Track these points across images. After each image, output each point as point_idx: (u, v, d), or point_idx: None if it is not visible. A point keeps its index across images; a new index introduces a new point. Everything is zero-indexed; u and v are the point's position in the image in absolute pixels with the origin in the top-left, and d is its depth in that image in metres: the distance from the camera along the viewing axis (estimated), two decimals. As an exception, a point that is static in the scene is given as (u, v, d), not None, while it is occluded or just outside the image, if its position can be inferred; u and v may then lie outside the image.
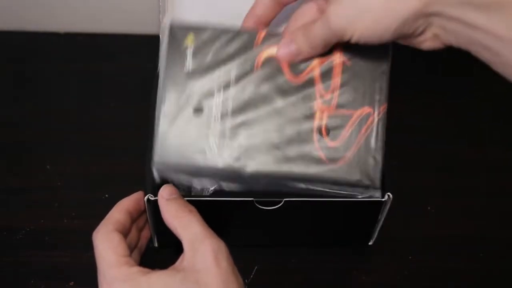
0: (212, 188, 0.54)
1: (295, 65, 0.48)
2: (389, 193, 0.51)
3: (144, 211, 0.51)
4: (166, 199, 0.46)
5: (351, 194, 0.49)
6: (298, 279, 0.56)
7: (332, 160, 0.47)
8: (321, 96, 0.48)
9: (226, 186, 0.49)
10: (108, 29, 0.78)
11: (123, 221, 0.48)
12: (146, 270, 0.42)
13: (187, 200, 0.47)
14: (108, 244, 0.44)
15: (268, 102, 0.48)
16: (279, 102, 0.48)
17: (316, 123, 0.48)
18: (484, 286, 0.57)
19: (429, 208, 0.62)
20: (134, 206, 0.50)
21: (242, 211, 0.52)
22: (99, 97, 0.71)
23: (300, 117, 0.48)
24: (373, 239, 0.57)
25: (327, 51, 0.47)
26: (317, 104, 0.48)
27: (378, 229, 0.55)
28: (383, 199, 0.51)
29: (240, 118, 0.48)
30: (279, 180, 0.47)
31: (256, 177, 0.47)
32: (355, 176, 0.47)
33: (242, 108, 0.48)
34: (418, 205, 0.62)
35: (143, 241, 0.54)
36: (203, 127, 0.47)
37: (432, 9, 0.39)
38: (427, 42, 0.42)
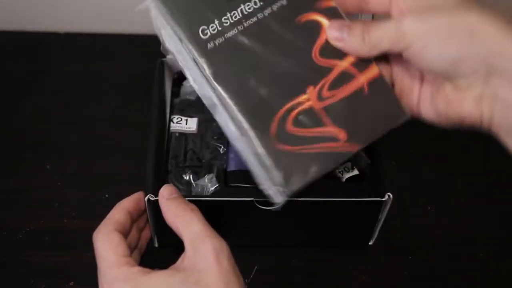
0: (212, 188, 0.54)
1: (330, 48, 0.46)
2: (389, 193, 0.51)
3: (145, 211, 0.51)
4: (167, 198, 0.46)
5: None
6: (298, 279, 0.56)
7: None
8: (321, 88, 0.46)
9: None
10: (108, 29, 0.78)
11: (123, 221, 0.48)
12: (146, 270, 0.42)
13: (188, 200, 0.47)
14: (108, 244, 0.44)
15: (277, 55, 0.46)
16: (284, 64, 0.46)
17: (295, 102, 0.45)
18: (484, 286, 0.57)
19: (429, 208, 0.62)
20: (134, 206, 0.50)
21: (242, 211, 0.52)
22: (99, 97, 0.71)
23: (290, 87, 0.46)
24: (373, 239, 0.57)
25: (365, 65, 0.46)
26: (312, 91, 0.46)
27: (378, 229, 0.55)
28: (383, 199, 0.51)
29: (246, 40, 0.46)
30: None
31: None
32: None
33: (255, 34, 0.46)
34: (418, 205, 0.62)
35: (143, 241, 0.54)
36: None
37: (501, 63, 0.38)
38: (467, 101, 0.41)
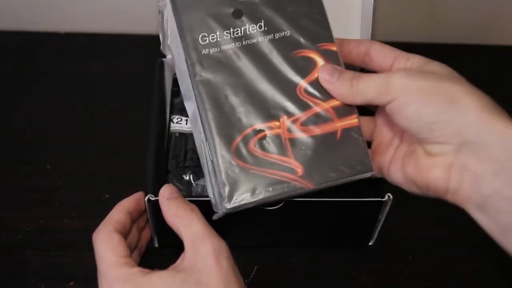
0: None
1: (317, 88, 0.47)
2: (389, 194, 0.51)
3: (145, 211, 0.51)
4: (167, 198, 0.46)
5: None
6: (298, 279, 0.56)
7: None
8: (294, 120, 0.47)
9: None
10: (108, 29, 0.78)
11: (123, 221, 0.48)
12: (146, 270, 0.42)
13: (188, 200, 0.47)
14: (108, 245, 0.44)
15: (263, 79, 0.47)
16: (268, 88, 0.47)
17: (265, 125, 0.46)
18: (484, 286, 0.57)
19: (429, 208, 0.62)
20: (134, 206, 0.50)
21: (242, 211, 0.52)
22: (99, 97, 0.71)
23: (266, 111, 0.47)
24: (373, 239, 0.57)
25: (347, 112, 0.47)
26: (284, 120, 0.46)
27: (378, 229, 0.55)
28: (383, 199, 0.51)
29: (239, 57, 0.47)
30: None
31: None
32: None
33: (249, 54, 0.47)
34: (418, 205, 0.62)
35: (143, 242, 0.54)
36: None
37: (476, 137, 0.39)
38: (437, 169, 0.42)
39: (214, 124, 0.46)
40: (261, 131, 0.46)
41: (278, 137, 0.46)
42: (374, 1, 0.58)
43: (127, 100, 0.70)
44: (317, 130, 0.47)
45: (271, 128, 0.46)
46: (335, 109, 0.47)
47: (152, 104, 0.57)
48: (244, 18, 0.48)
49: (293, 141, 0.46)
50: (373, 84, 0.43)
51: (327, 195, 0.52)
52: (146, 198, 0.49)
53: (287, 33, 0.48)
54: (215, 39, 0.47)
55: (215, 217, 0.46)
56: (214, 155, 0.45)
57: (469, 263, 0.58)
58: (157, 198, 0.47)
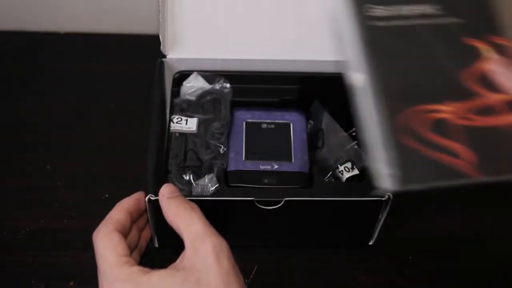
0: (212, 188, 0.54)
1: (484, 78, 0.45)
2: (389, 193, 0.51)
3: (145, 211, 0.51)
4: (167, 197, 0.46)
5: None
6: (298, 279, 0.56)
7: None
8: (468, 109, 0.44)
9: None
10: (108, 29, 0.78)
11: (123, 221, 0.48)
12: (146, 269, 0.42)
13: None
14: (108, 244, 0.44)
15: (431, 60, 0.45)
16: (435, 71, 0.45)
17: (436, 107, 0.44)
18: (484, 286, 0.57)
19: (429, 208, 0.62)
20: (134, 206, 0.50)
21: (242, 211, 0.52)
22: (99, 97, 0.71)
23: (436, 92, 0.44)
24: (374, 239, 0.57)
25: None
26: (457, 106, 0.44)
27: (378, 229, 0.55)
28: (383, 199, 0.51)
29: (407, 34, 0.46)
30: None
31: None
32: None
33: (416, 33, 0.46)
34: (418, 205, 0.62)
35: (143, 242, 0.54)
36: None
37: None
38: None
39: (380, 99, 0.43)
40: (431, 112, 0.44)
41: (449, 121, 0.44)
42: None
43: (127, 100, 0.70)
44: (490, 121, 0.44)
45: (441, 111, 0.44)
46: (508, 103, 0.45)
47: (152, 104, 0.57)
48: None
49: (467, 129, 0.44)
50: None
51: (327, 194, 0.52)
52: (147, 198, 0.49)
53: (462, 21, 0.46)
54: (385, 11, 0.45)
55: (373, 193, 0.45)
56: (381, 130, 0.42)
57: (469, 263, 0.58)
58: (157, 198, 0.47)
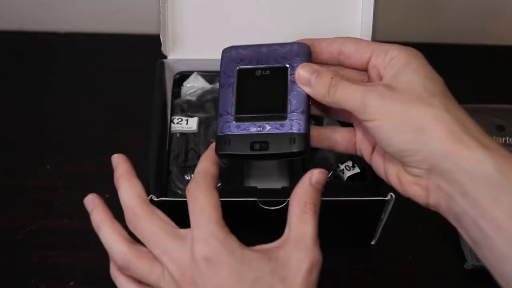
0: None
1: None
2: (391, 193, 0.51)
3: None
4: (314, 186, 0.44)
5: None
6: (298, 279, 0.56)
7: None
8: None
9: None
10: (108, 29, 0.78)
11: (217, 177, 0.45)
12: (241, 243, 0.41)
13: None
14: (210, 200, 0.42)
15: None
16: None
17: None
18: (485, 286, 0.57)
19: (429, 208, 0.62)
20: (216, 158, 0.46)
21: (245, 211, 0.52)
22: (99, 97, 0.71)
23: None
24: (376, 239, 0.57)
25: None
26: None
27: (380, 228, 0.55)
28: (386, 199, 0.51)
29: None
30: None
31: None
32: None
33: None
34: (418, 205, 0.62)
35: None
36: None
37: (443, 164, 0.39)
38: (416, 187, 0.42)
39: None
40: None
41: None
42: (374, 1, 0.58)
43: (127, 100, 0.70)
44: None
45: None
46: None
47: (153, 104, 0.57)
48: None
49: None
50: (350, 98, 0.43)
51: (330, 194, 0.52)
52: (149, 198, 0.49)
53: None
54: None
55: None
56: None
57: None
58: (159, 199, 0.47)
